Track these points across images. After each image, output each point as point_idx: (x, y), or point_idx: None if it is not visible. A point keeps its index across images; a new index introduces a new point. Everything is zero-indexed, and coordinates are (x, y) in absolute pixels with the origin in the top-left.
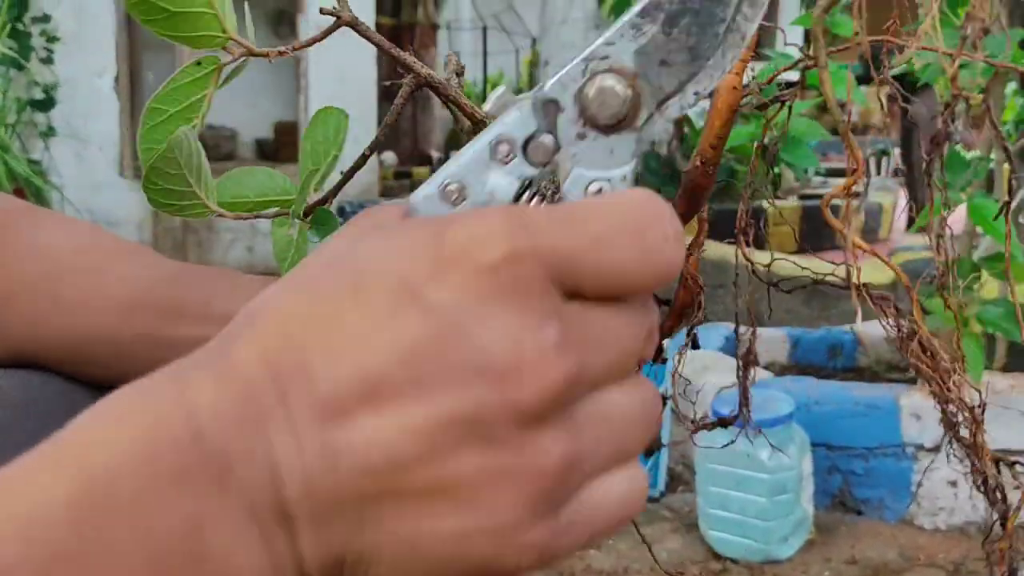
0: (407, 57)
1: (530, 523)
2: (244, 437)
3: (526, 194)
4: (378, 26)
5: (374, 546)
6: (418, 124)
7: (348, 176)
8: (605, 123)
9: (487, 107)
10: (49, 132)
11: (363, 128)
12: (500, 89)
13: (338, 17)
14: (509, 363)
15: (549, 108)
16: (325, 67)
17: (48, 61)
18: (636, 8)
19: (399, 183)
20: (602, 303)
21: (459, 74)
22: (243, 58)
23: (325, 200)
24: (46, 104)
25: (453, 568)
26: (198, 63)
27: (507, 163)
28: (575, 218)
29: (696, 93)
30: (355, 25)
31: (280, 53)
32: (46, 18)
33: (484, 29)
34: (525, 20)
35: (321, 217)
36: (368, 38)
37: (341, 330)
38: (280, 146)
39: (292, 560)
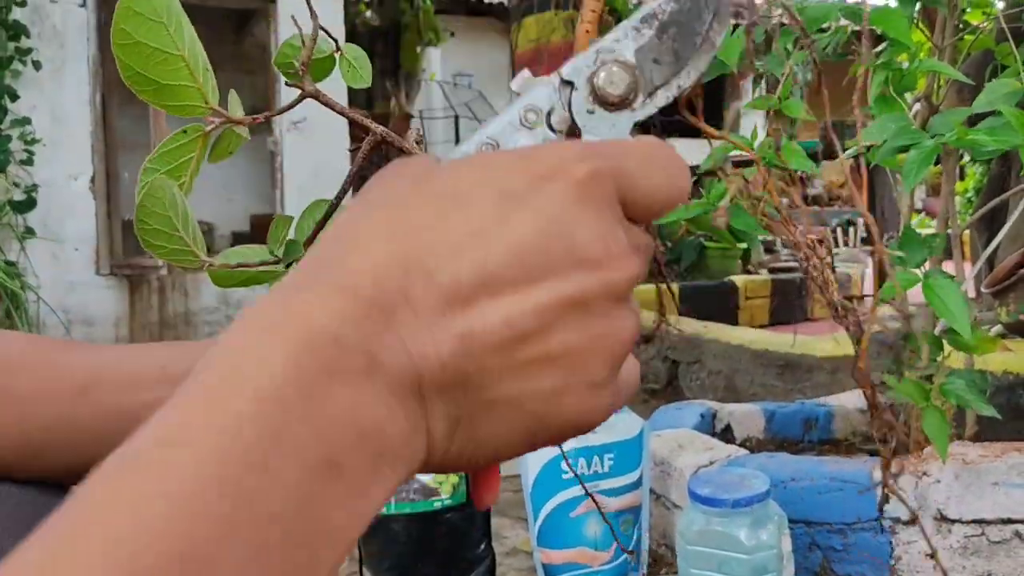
0: (366, 120)
1: (608, 381)
2: (379, 334)
3: None
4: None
5: (487, 408)
6: None
7: (320, 226)
8: (611, 102)
9: (513, 85)
10: (27, 233)
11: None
12: (526, 72)
13: (302, 89)
14: (602, 255)
15: (566, 87)
16: (300, 162)
17: (28, 163)
18: (638, 15)
19: None
20: (635, 223)
21: (419, 142)
22: (226, 126)
23: (310, 241)
24: (27, 205)
25: (547, 423)
26: (184, 131)
27: (533, 128)
28: (626, 148)
29: (679, 87)
30: (317, 96)
31: (254, 120)
32: (26, 120)
33: (456, 118)
34: (495, 107)
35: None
36: (331, 107)
37: (451, 234)
38: (256, 239)
39: (423, 424)
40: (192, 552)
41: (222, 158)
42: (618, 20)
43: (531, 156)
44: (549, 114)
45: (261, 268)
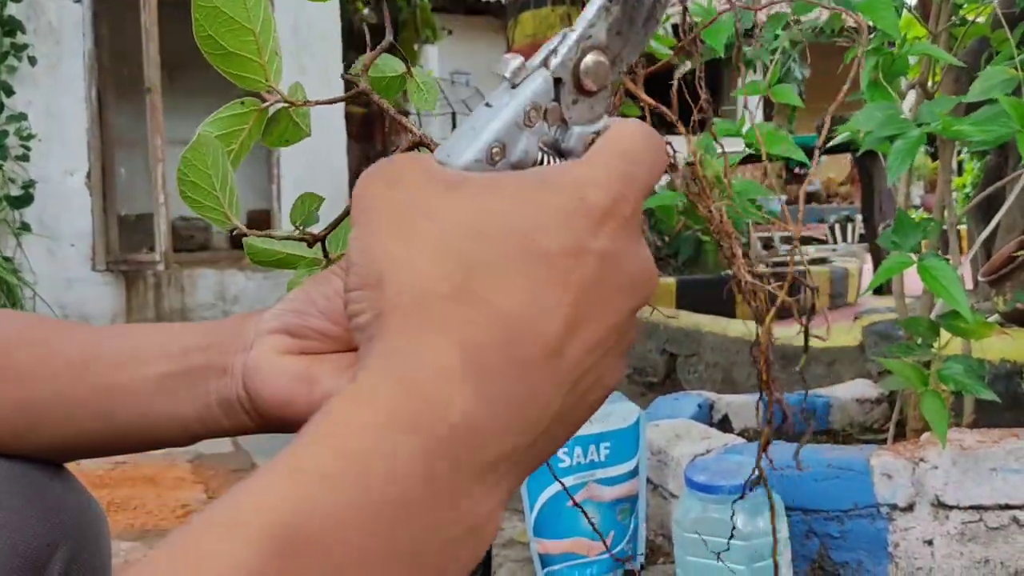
0: (407, 122)
1: (623, 367)
2: (503, 419)
3: (543, 154)
4: (349, 114)
5: (550, 443)
6: None
7: (342, 216)
8: (592, 90)
9: (506, 72)
10: (23, 229)
11: (336, 214)
12: (519, 59)
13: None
14: (645, 278)
15: (558, 83)
16: (297, 157)
17: (24, 159)
18: None
19: None
20: None
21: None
22: (281, 107)
23: (336, 224)
24: (23, 201)
25: (573, 430)
26: (241, 102)
27: (533, 126)
28: (635, 156)
29: (628, 62)
30: (381, 104)
31: (306, 103)
32: (22, 116)
33: (453, 115)
34: None
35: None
36: (381, 107)
37: (541, 292)
38: None
39: (508, 493)
40: None
41: (277, 144)
42: None
43: (584, 198)
44: (547, 110)
45: (290, 252)
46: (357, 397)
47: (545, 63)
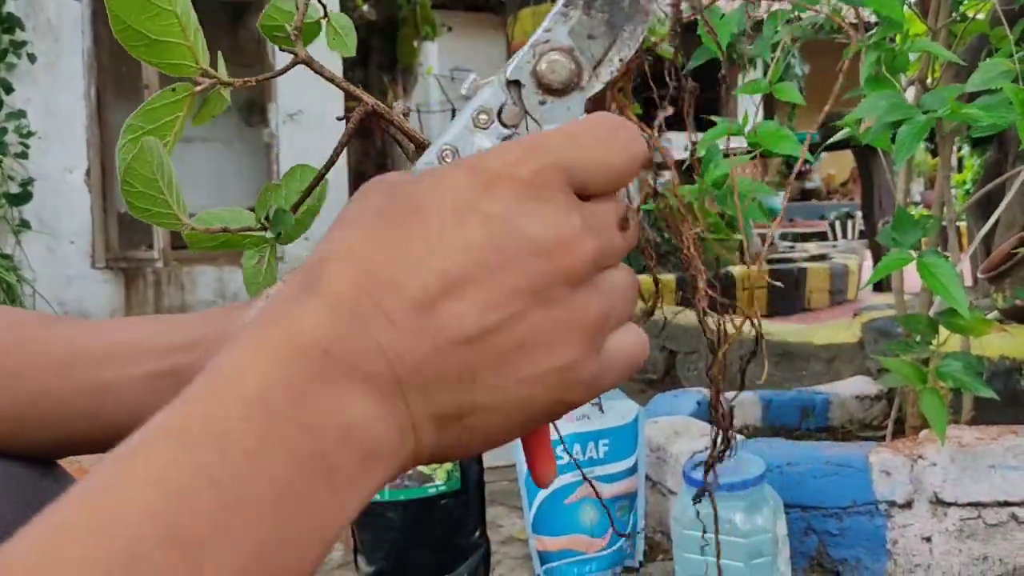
0: (356, 90)
1: (585, 360)
2: (360, 342)
3: None
4: (348, 110)
5: (470, 399)
6: None
7: (310, 189)
8: (558, 88)
9: (463, 90)
10: (22, 226)
11: (336, 211)
12: (472, 76)
13: (295, 55)
14: (553, 242)
15: (513, 86)
16: (296, 152)
17: (23, 156)
18: (561, 0)
19: None
20: (600, 198)
21: (405, 114)
22: (215, 86)
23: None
24: (23, 198)
25: (533, 406)
26: (173, 89)
27: (487, 128)
28: (571, 135)
29: (620, 59)
30: (310, 63)
31: (245, 82)
32: (21, 113)
33: (453, 111)
34: None
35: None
36: (321, 73)
37: (414, 247)
38: None
39: (409, 421)
40: (180, 536)
41: (205, 121)
42: None
43: (477, 167)
44: (500, 112)
45: (240, 231)
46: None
47: (502, 71)
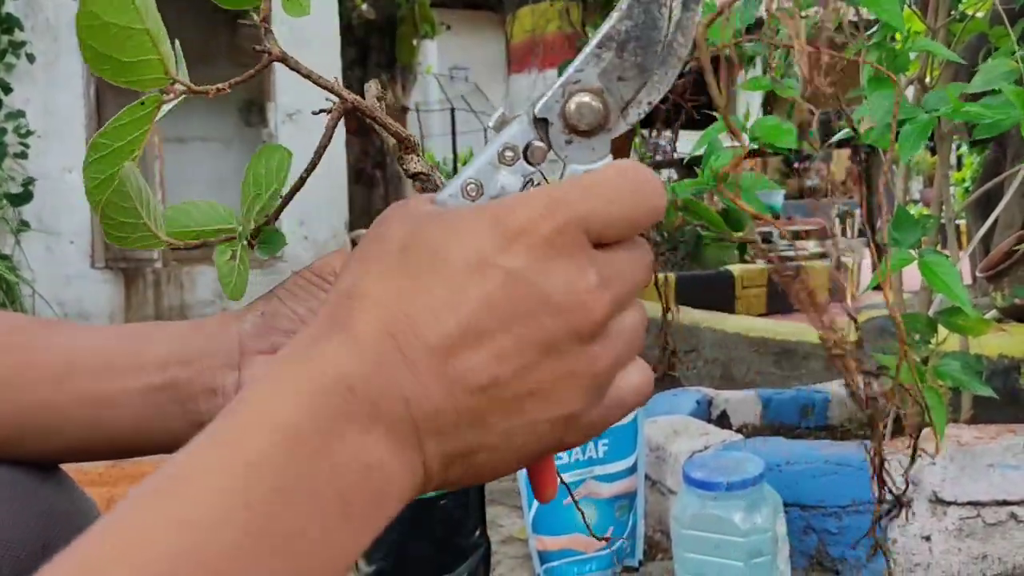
0: (335, 86)
1: (588, 408)
2: (383, 384)
3: (529, 187)
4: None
5: (478, 440)
6: (388, 204)
7: (288, 198)
8: (585, 130)
9: (489, 123)
10: (22, 226)
11: (335, 210)
12: (500, 110)
13: (268, 53)
14: (568, 302)
15: (540, 124)
16: (295, 152)
17: (22, 156)
18: (594, 41)
19: None
20: (618, 246)
21: (380, 99)
22: (183, 96)
23: (267, 222)
24: (22, 198)
25: (535, 448)
26: (142, 103)
27: (512, 164)
28: (594, 189)
29: (649, 102)
30: (285, 60)
31: (219, 90)
32: (20, 113)
33: (452, 110)
34: (491, 100)
35: (267, 236)
36: (297, 70)
37: (436, 294)
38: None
39: (420, 460)
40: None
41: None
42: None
43: (500, 219)
44: (526, 149)
45: (216, 228)
46: (247, 395)
47: (531, 108)
